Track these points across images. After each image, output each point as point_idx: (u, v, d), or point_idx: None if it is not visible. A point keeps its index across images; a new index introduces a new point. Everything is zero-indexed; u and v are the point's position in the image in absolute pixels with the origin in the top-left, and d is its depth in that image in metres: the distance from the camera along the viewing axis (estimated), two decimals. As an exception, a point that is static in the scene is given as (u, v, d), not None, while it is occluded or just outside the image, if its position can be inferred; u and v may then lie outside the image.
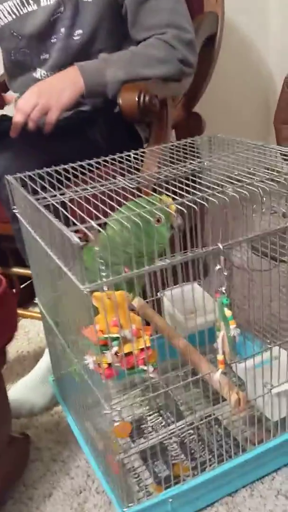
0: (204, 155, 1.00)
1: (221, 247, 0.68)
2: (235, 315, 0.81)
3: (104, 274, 0.64)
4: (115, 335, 0.69)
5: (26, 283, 1.64)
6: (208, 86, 1.61)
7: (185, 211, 0.66)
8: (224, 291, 0.71)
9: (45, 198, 0.80)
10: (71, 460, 1.03)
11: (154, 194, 0.74)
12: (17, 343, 1.48)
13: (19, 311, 1.61)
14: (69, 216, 0.68)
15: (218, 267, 0.69)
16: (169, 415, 1.08)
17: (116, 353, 0.71)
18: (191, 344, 0.85)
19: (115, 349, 0.69)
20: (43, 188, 0.86)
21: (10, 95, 1.34)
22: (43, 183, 0.88)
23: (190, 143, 1.02)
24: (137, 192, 0.78)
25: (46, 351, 1.23)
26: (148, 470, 0.94)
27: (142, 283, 0.78)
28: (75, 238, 0.60)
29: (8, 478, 0.94)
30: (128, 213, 0.68)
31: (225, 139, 1.01)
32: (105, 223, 0.67)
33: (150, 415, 1.08)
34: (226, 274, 0.70)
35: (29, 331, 1.54)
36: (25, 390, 1.19)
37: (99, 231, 0.62)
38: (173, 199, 0.71)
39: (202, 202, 0.67)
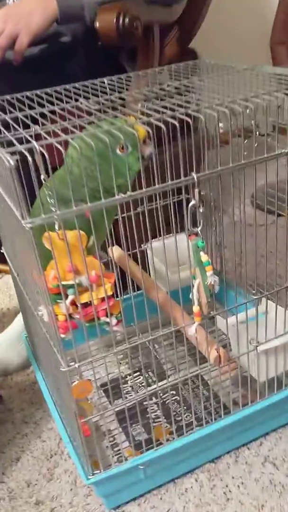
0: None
1: (195, 177, 0.57)
2: (228, 270, 0.70)
3: (54, 209, 0.53)
4: (70, 282, 0.59)
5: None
6: (204, 21, 1.45)
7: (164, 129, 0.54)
8: (200, 232, 0.60)
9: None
10: (43, 422, 0.96)
11: (122, 115, 0.61)
12: (-2, 299, 1.40)
13: (2, 267, 1.52)
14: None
15: (192, 202, 0.58)
16: (151, 375, 0.99)
17: (74, 304, 0.61)
18: (178, 300, 0.75)
19: (70, 298, 0.59)
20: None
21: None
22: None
23: (175, 67, 0.89)
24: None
25: (23, 306, 1.14)
26: (125, 434, 0.86)
27: (106, 226, 0.67)
28: (9, 160, 0.49)
29: None
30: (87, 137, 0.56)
31: (215, 64, 0.88)
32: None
33: (130, 375, 1.00)
34: (201, 211, 0.58)
35: (11, 287, 1.45)
36: (-1, 348, 1.11)
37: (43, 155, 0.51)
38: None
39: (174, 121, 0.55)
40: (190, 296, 0.66)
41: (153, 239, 1.01)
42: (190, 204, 0.58)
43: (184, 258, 0.65)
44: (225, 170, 0.59)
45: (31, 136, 0.56)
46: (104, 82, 0.83)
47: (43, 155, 0.51)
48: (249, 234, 0.71)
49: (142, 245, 1.03)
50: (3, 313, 1.34)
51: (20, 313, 1.16)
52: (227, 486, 0.79)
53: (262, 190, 0.63)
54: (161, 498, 0.78)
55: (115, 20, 0.95)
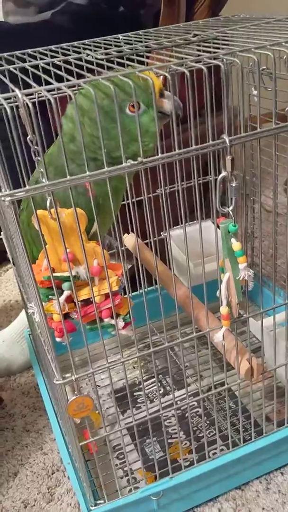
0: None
1: (227, 140, 0.44)
2: (263, 265, 0.57)
3: (43, 180, 0.41)
4: (65, 274, 0.46)
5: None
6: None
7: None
8: (231, 213, 0.47)
9: None
10: (47, 431, 0.84)
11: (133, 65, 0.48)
12: (6, 291, 1.29)
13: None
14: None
15: (223, 173, 0.45)
16: (169, 382, 0.86)
17: (72, 301, 0.49)
18: (201, 297, 0.61)
19: (66, 293, 0.47)
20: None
21: None
22: None
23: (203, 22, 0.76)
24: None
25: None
26: (137, 451, 0.74)
27: (113, 208, 0.53)
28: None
29: None
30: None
31: (251, 17, 0.74)
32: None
33: (146, 381, 0.87)
34: (234, 185, 0.45)
35: (21, 278, 1.34)
36: (2, 345, 1.00)
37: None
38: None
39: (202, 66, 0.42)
40: (217, 293, 0.53)
41: (174, 227, 0.89)
42: (220, 176, 0.45)
43: (210, 248, 0.52)
44: (266, 132, 0.46)
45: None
46: (119, 38, 0.70)
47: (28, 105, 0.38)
48: (282, 224, 0.57)
49: (161, 233, 0.90)
50: (10, 305, 1.23)
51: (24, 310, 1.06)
52: (256, 519, 0.67)
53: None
54: (177, 531, 0.66)
55: None
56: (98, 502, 0.59)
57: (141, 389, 0.85)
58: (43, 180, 0.40)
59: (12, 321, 1.14)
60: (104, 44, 0.66)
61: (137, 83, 0.46)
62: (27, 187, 0.39)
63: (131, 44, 0.60)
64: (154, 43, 0.57)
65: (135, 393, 0.85)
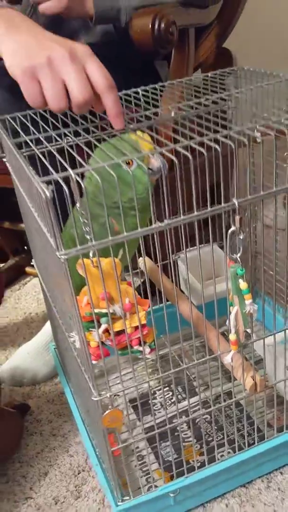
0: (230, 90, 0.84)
1: (236, 203, 0.54)
2: (264, 281, 0.67)
3: (88, 237, 0.51)
4: (103, 311, 0.57)
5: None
6: (240, 18, 1.40)
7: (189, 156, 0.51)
8: (239, 259, 0.57)
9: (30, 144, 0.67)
10: (71, 436, 0.95)
11: (136, 132, 0.59)
12: (26, 304, 1.39)
13: (30, 270, 1.52)
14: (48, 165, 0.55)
15: (232, 228, 0.55)
16: (181, 391, 0.97)
17: (107, 331, 0.59)
18: (207, 314, 0.71)
19: (103, 327, 0.57)
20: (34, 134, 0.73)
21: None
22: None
23: (212, 77, 0.86)
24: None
25: (51, 315, 1.13)
26: (154, 454, 0.84)
27: (135, 244, 0.64)
28: (44, 189, 0.47)
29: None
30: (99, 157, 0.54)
31: (254, 71, 0.84)
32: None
33: (159, 390, 0.98)
34: (241, 237, 0.56)
35: (40, 291, 1.44)
36: (27, 357, 1.10)
37: (78, 182, 0.49)
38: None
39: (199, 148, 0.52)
40: (227, 323, 0.63)
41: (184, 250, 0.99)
42: (230, 231, 0.55)
43: (217, 270, 0.62)
44: (267, 195, 0.56)
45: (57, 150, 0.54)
46: (138, 93, 0.80)
47: (78, 183, 0.49)
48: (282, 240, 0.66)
49: (173, 256, 1.00)
50: (31, 317, 1.33)
51: (48, 321, 1.16)
52: (259, 513, 0.77)
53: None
54: (190, 523, 0.77)
55: (150, 25, 0.92)
56: (124, 498, 0.69)
57: (154, 398, 0.95)
58: (87, 236, 0.51)
59: (33, 332, 1.25)
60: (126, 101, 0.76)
61: (132, 146, 0.57)
62: (78, 247, 0.50)
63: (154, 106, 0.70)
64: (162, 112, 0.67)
65: (148, 401, 0.96)
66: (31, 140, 0.68)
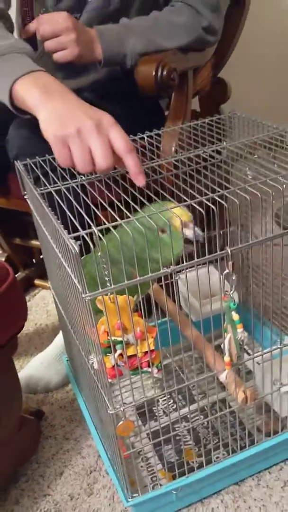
0: (225, 137, 0.95)
1: (229, 251, 0.65)
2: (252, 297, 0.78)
3: (107, 279, 0.62)
4: (118, 339, 0.68)
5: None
6: (234, 50, 1.51)
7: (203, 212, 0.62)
8: (232, 296, 0.68)
9: (52, 185, 0.78)
10: (83, 439, 1.06)
11: (170, 198, 0.70)
12: (36, 315, 1.50)
13: (39, 282, 1.63)
14: (71, 215, 0.66)
15: (226, 271, 0.66)
16: (181, 399, 1.08)
17: (120, 355, 0.70)
18: (205, 327, 0.82)
19: (118, 352, 0.68)
20: (54, 173, 0.85)
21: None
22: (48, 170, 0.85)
23: (209, 123, 0.97)
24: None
25: (62, 328, 1.24)
26: (158, 456, 0.96)
27: (147, 287, 0.76)
28: (73, 245, 0.58)
29: (20, 458, 0.98)
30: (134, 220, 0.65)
31: (245, 118, 0.95)
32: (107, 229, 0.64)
33: (161, 398, 1.09)
34: (234, 278, 0.67)
35: (48, 303, 1.55)
36: (40, 366, 1.21)
37: (100, 238, 0.60)
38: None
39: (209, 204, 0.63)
40: (222, 346, 0.74)
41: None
42: (224, 273, 0.67)
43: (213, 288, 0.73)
44: (256, 243, 0.67)
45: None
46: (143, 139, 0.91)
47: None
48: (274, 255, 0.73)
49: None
50: (42, 329, 1.44)
51: (59, 333, 1.27)
52: (249, 508, 0.88)
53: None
54: (190, 517, 0.88)
55: (154, 73, 1.02)
56: (134, 495, 0.80)
57: (158, 405, 1.07)
58: (108, 284, 0.62)
59: (44, 343, 1.36)
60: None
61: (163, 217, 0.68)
62: (100, 290, 0.61)
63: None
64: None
65: (152, 408, 1.07)
66: (49, 182, 0.81)
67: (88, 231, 0.60)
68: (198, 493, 0.88)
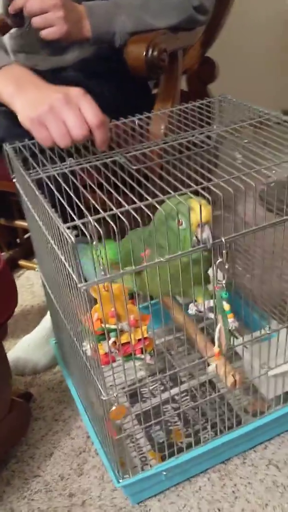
0: (215, 120, 0.95)
1: (223, 240, 0.65)
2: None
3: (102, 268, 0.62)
4: (112, 327, 0.68)
5: (29, 234, 1.63)
6: (222, 29, 1.49)
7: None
8: (224, 285, 0.69)
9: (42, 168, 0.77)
10: (72, 420, 1.07)
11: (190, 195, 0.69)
12: (22, 296, 1.49)
13: (24, 263, 1.61)
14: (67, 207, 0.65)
15: (219, 260, 0.67)
16: (168, 380, 1.10)
17: (114, 342, 0.71)
18: None
19: (112, 339, 0.69)
20: (44, 157, 0.84)
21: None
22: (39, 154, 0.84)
23: (199, 106, 0.96)
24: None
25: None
26: (147, 436, 0.97)
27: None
28: (70, 235, 0.57)
29: (10, 440, 0.99)
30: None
31: (236, 104, 0.95)
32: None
33: (150, 380, 1.10)
34: (227, 267, 0.67)
35: (34, 284, 1.55)
36: (28, 348, 1.21)
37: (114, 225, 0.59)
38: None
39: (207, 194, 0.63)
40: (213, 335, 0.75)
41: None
42: (218, 262, 0.67)
43: None
44: (248, 232, 0.68)
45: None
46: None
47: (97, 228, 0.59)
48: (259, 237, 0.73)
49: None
50: (27, 310, 1.44)
51: (46, 315, 1.27)
52: (235, 485, 0.91)
53: (271, 189, 0.69)
54: (178, 495, 0.90)
55: (144, 53, 1.00)
56: (125, 476, 0.82)
57: (145, 387, 1.08)
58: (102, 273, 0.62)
59: (30, 324, 1.36)
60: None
61: (181, 209, 0.68)
62: (96, 279, 0.61)
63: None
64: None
65: (141, 390, 1.08)
66: (38, 165, 0.80)
67: (83, 220, 0.60)
68: (186, 473, 0.91)
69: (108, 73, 1.22)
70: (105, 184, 0.73)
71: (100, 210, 0.62)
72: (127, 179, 0.75)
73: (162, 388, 1.08)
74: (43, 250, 0.85)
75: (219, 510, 0.87)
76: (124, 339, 0.70)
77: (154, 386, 1.09)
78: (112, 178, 0.77)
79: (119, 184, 0.73)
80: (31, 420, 1.07)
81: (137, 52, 1.01)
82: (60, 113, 0.77)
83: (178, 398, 0.99)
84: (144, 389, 1.08)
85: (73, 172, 0.81)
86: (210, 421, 0.97)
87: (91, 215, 0.60)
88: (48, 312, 1.26)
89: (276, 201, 0.73)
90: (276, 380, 0.88)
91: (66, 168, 0.81)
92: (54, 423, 1.07)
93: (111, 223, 0.59)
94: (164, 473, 0.83)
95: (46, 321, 1.25)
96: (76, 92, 0.80)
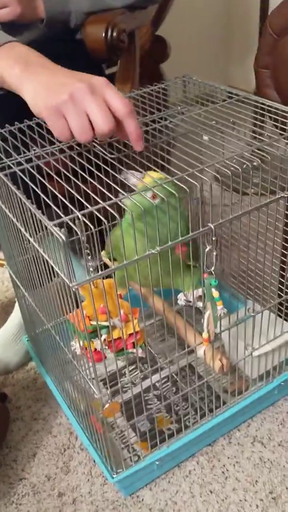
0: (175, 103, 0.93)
1: (212, 227, 0.64)
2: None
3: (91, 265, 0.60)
4: (104, 323, 0.66)
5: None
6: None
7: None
8: (213, 272, 0.68)
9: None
10: (52, 418, 1.04)
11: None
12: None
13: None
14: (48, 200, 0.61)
15: (208, 248, 0.66)
16: (147, 367, 1.09)
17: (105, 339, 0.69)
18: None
19: (104, 337, 0.67)
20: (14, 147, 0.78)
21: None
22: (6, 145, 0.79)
23: (161, 88, 0.94)
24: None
25: (16, 306, 1.20)
26: (132, 427, 0.96)
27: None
28: (61, 234, 0.54)
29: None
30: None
31: (199, 84, 0.93)
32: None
33: (128, 370, 1.09)
34: (215, 254, 0.66)
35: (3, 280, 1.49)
36: (-3, 348, 1.16)
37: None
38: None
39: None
40: (202, 321, 0.75)
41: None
42: (207, 250, 0.66)
43: None
44: (235, 217, 0.67)
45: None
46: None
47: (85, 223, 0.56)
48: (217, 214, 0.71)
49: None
50: (-10, 307, 1.38)
51: (14, 312, 1.22)
52: (224, 466, 0.93)
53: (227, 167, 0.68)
54: (169, 482, 0.91)
55: (103, 34, 0.96)
56: (118, 470, 0.81)
57: (124, 376, 1.07)
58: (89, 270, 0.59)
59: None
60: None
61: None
62: (88, 278, 0.58)
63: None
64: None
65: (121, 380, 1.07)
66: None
67: (71, 216, 0.56)
68: (176, 459, 0.91)
69: (59, 55, 1.17)
70: (78, 170, 0.70)
71: (86, 204, 0.59)
72: (104, 166, 0.72)
73: (141, 376, 1.07)
74: (13, 244, 0.81)
75: (211, 492, 0.89)
76: (115, 334, 0.68)
77: (134, 374, 1.08)
78: (86, 164, 0.73)
79: (93, 169, 0.70)
80: (9, 422, 1.04)
81: (96, 33, 0.97)
82: (84, 104, 0.67)
83: (158, 384, 0.99)
84: (124, 379, 1.07)
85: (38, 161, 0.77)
86: (192, 405, 0.97)
87: (73, 208, 0.57)
88: (15, 309, 1.21)
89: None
90: (259, 359, 0.89)
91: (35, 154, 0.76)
92: (34, 422, 1.04)
93: (102, 218, 0.57)
94: (157, 462, 0.83)
95: (14, 318, 1.21)
96: (101, 81, 0.70)
